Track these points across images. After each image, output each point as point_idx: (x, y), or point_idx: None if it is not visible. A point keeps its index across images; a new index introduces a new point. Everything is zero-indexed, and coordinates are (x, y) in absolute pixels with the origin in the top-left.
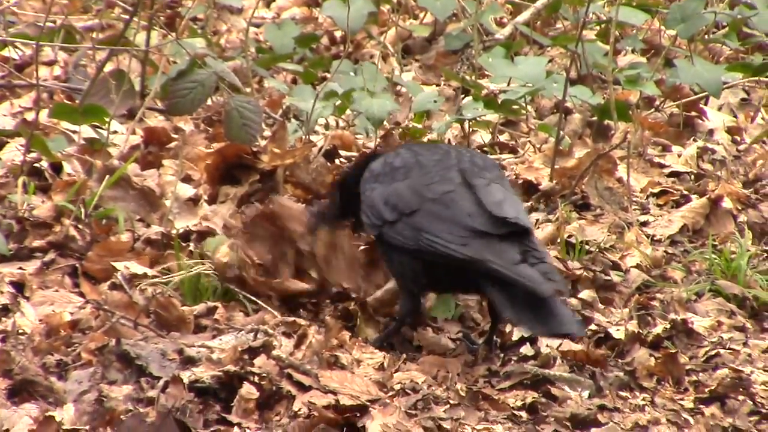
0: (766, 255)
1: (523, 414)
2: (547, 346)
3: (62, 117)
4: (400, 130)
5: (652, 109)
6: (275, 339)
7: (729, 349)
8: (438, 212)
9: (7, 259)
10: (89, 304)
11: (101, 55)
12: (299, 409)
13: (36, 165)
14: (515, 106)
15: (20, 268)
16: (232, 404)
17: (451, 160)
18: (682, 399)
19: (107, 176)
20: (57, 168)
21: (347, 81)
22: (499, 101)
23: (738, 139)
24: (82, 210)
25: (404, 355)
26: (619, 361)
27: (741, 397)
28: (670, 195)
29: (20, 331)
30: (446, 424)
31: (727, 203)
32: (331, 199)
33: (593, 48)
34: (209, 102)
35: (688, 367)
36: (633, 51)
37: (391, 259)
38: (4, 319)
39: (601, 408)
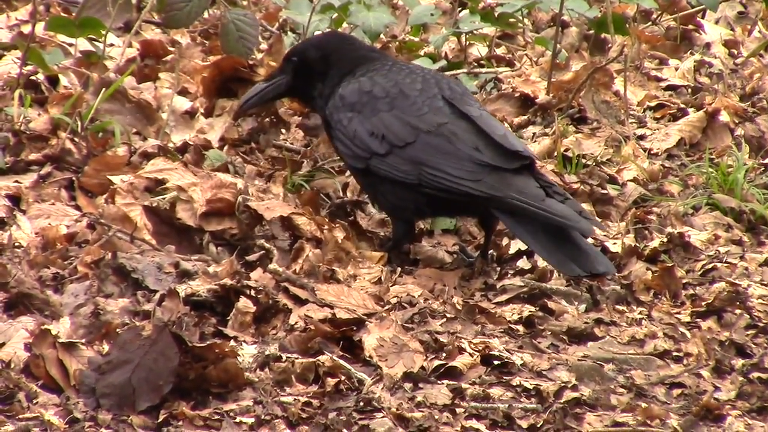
0: (762, 168)
1: (520, 328)
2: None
3: (59, 30)
4: (397, 43)
5: (649, 23)
6: (272, 253)
7: (726, 262)
8: (439, 145)
9: (3, 172)
10: (85, 218)
11: None
12: (296, 323)
13: (32, 78)
14: (512, 20)
15: (16, 182)
16: (229, 318)
17: (433, 87)
18: (678, 313)
19: (103, 89)
20: (53, 81)
21: None
22: (496, 14)
23: (735, 52)
24: (79, 123)
25: (400, 269)
26: (616, 275)
27: (738, 311)
28: (667, 108)
29: (16, 244)
30: (443, 338)
31: (724, 117)
32: (279, 77)
33: None
34: (206, 15)
35: (684, 281)
36: None
37: (382, 191)
38: (0, 232)
39: (598, 322)
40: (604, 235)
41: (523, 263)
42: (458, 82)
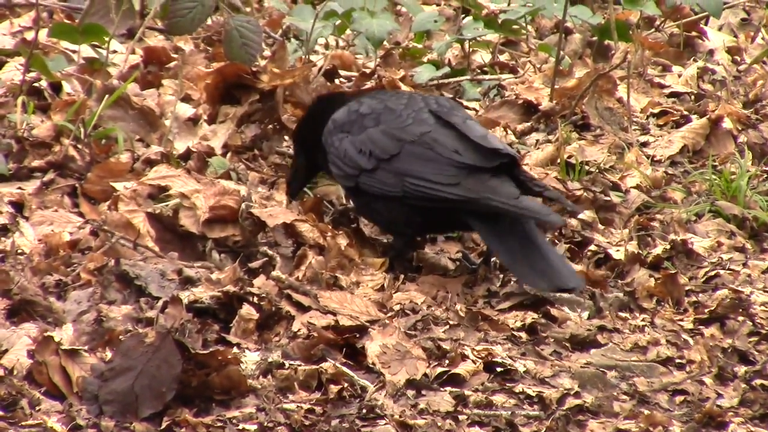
0: (765, 175)
1: (523, 335)
2: None
3: (62, 36)
4: (400, 50)
5: (653, 29)
6: (275, 260)
7: (729, 269)
8: (420, 154)
9: (6, 179)
10: (89, 224)
11: None
12: (299, 330)
13: (35, 84)
14: (515, 26)
15: (19, 188)
16: (232, 325)
17: (419, 103)
18: (681, 320)
19: (107, 96)
20: (56, 87)
21: (347, 1)
22: (500, 21)
23: (738, 59)
24: (82, 130)
25: (403, 276)
26: (619, 281)
27: (740, 318)
28: (671, 115)
29: (19, 251)
30: (446, 345)
31: (727, 124)
32: (295, 162)
33: None
34: (209, 21)
35: (687, 288)
36: None
37: (375, 208)
38: (3, 239)
39: (601, 329)
40: (608, 242)
41: None
42: (447, 99)
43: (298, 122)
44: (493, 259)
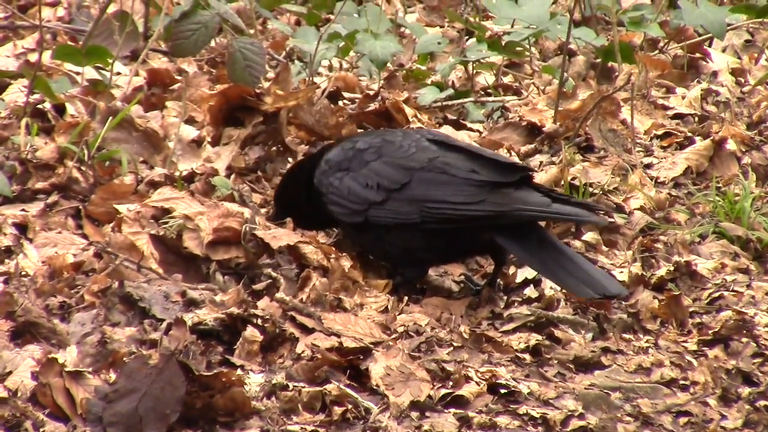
0: None
1: (527, 356)
2: (551, 288)
3: (65, 58)
4: (404, 71)
5: (656, 51)
6: (279, 281)
7: (732, 291)
8: (432, 178)
9: (10, 200)
10: (92, 246)
11: None
12: (302, 352)
13: (39, 106)
14: (519, 48)
15: (23, 210)
16: (235, 347)
17: (415, 134)
18: (685, 341)
19: (110, 118)
20: (60, 109)
21: (351, 22)
22: (503, 43)
23: (742, 80)
24: (85, 152)
25: (407, 298)
26: (623, 303)
27: (744, 339)
28: (674, 137)
29: (23, 273)
30: (450, 367)
31: (731, 145)
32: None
33: None
34: (212, 43)
35: (691, 310)
36: None
37: (389, 239)
38: (7, 261)
39: (605, 350)
40: (611, 264)
41: (530, 292)
42: (438, 131)
43: (279, 191)
44: (498, 281)
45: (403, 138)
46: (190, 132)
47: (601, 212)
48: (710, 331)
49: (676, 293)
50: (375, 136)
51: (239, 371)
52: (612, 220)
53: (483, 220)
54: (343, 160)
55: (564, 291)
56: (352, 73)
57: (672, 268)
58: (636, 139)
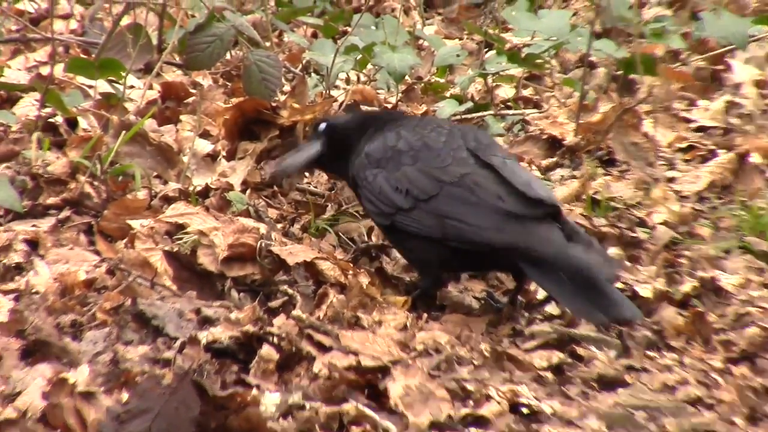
0: None
1: (549, 374)
2: None
3: (78, 71)
4: (422, 84)
5: (678, 63)
6: (295, 299)
7: (758, 307)
8: (461, 196)
9: (21, 216)
10: (105, 263)
11: (118, 8)
12: (320, 371)
13: (51, 120)
14: (539, 60)
15: (34, 226)
16: (251, 365)
17: (458, 139)
18: (711, 359)
19: (123, 132)
20: (72, 123)
21: (368, 35)
22: (523, 55)
23: (765, 92)
24: (98, 166)
25: (426, 315)
26: (647, 320)
27: None
28: (697, 150)
29: (34, 290)
30: (470, 386)
31: (755, 158)
32: (314, 144)
33: (618, 1)
34: (228, 56)
35: (716, 326)
36: (659, 4)
37: (409, 247)
38: (17, 277)
39: (629, 368)
40: (635, 280)
41: (551, 309)
42: (485, 133)
43: (332, 118)
44: (520, 299)
45: (444, 145)
46: (204, 146)
47: (617, 267)
48: (736, 348)
49: (701, 309)
50: (419, 137)
51: (255, 391)
52: (635, 235)
53: (499, 250)
54: (382, 159)
55: (579, 317)
56: (369, 86)
57: (696, 284)
58: (658, 153)
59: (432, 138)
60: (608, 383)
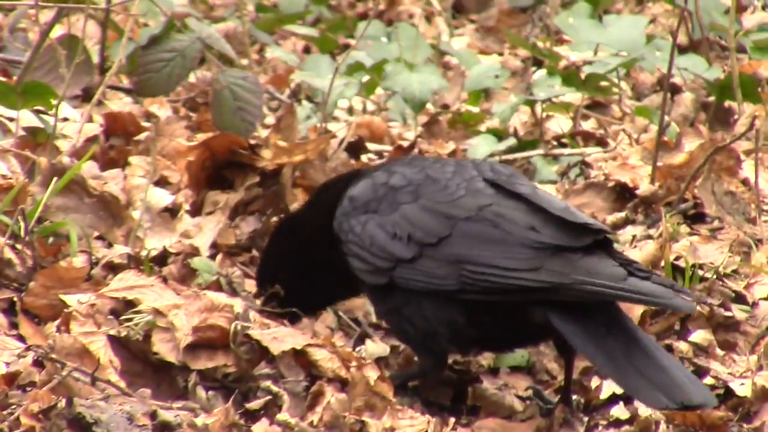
0: None
1: None
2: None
3: None
4: (449, 115)
5: None
6: (281, 398)
7: None
8: (481, 233)
9: None
10: (31, 351)
11: (47, 15)
12: None
13: None
14: (604, 83)
15: None
16: None
17: (470, 170)
18: None
19: (55, 179)
20: None
21: (378, 49)
22: (583, 76)
23: None
24: (22, 224)
25: (454, 420)
26: (745, 426)
27: None
28: None
29: None
30: None
31: None
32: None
33: (710, 3)
34: (192, 78)
35: None
36: (764, 7)
37: (408, 314)
38: None
39: None
40: (729, 373)
41: (618, 411)
42: (505, 165)
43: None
44: (574, 396)
45: (453, 175)
46: (161, 197)
47: (689, 298)
48: None
49: None
50: (418, 169)
51: None
52: (729, 314)
53: (537, 293)
54: (372, 200)
55: (636, 398)
56: (379, 117)
57: None
58: (762, 205)
59: (436, 169)
60: None
